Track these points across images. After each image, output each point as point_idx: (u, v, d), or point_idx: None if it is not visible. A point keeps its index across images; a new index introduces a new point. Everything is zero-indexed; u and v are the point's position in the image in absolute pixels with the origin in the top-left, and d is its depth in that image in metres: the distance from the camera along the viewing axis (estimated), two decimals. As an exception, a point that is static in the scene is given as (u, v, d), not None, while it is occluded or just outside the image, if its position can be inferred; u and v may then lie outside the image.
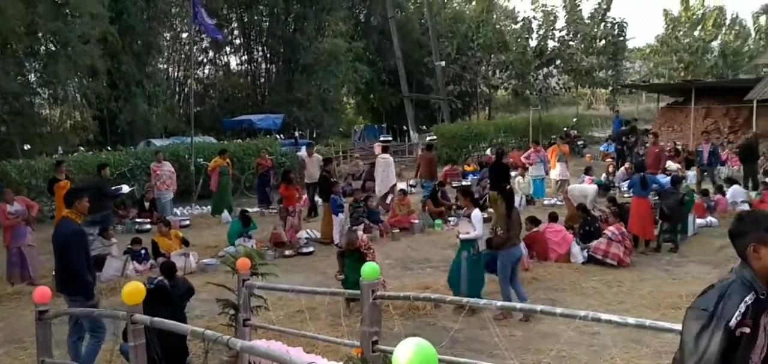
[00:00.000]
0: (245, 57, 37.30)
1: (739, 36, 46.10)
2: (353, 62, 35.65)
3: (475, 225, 8.82)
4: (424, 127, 39.22)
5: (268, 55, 36.79)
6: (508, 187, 11.39)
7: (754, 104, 23.70)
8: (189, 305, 8.27)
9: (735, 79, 34.80)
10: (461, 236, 8.96)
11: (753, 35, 47.20)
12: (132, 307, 5.15)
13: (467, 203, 9.34)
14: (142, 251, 11.91)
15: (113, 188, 15.13)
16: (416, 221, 14.79)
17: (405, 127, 37.05)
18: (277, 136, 25.95)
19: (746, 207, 15.46)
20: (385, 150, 17.84)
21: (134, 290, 5.23)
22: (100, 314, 6.54)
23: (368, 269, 5.52)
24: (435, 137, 26.68)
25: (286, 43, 34.70)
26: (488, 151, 26.12)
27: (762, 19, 46.73)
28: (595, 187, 14.54)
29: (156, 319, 4.97)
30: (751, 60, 41.33)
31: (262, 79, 37.49)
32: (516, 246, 8.92)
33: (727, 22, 45.58)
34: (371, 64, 39.78)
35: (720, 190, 16.05)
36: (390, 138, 24.53)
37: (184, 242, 12.58)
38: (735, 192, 15.99)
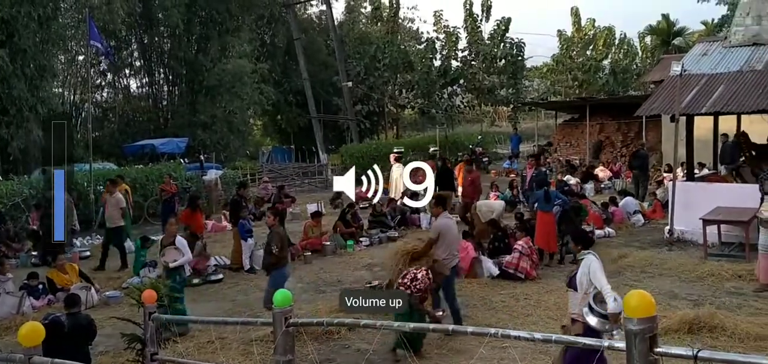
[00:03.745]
0: (146, 79, 36.17)
1: (628, 55, 48.71)
2: (259, 83, 35.27)
3: (183, 251, 9.01)
4: (333, 146, 39.22)
5: (170, 77, 35.83)
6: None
7: (644, 120, 25.15)
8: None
9: (625, 96, 36.84)
10: (171, 265, 8.99)
11: (640, 54, 50.03)
12: (30, 349, 4.87)
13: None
14: (39, 286, 11.29)
15: None
16: (328, 243, 14.75)
17: (314, 148, 36.94)
18: (182, 160, 25.28)
19: (640, 217, 16.36)
20: (397, 160, 19.62)
21: (32, 330, 4.96)
22: (-6, 357, 6.14)
23: (280, 296, 5.46)
24: (437, 148, 28.60)
25: (188, 64, 33.93)
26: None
27: (647, 39, 49.72)
28: (502, 203, 14.95)
29: (57, 361, 4.72)
30: (639, 77, 43.84)
31: (165, 102, 36.45)
32: (286, 266, 9.35)
33: (616, 42, 48.08)
34: (278, 85, 39.50)
35: (614, 202, 16.86)
36: (402, 149, 25.13)
37: (83, 275, 12.00)
38: (627, 203, 16.83)
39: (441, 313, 8.66)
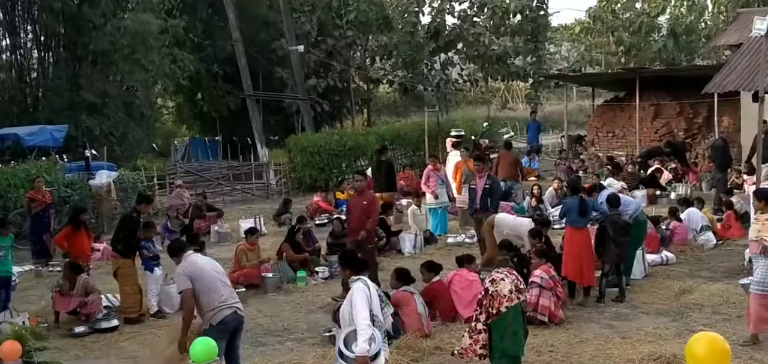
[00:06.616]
0: (7, 41, 35.82)
1: (693, 9, 49.30)
2: (170, 48, 35.09)
3: None
4: (276, 138, 39.08)
5: (43, 39, 35.50)
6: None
7: (715, 99, 25.27)
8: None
9: (690, 66, 37.28)
10: None
11: (710, 7, 50.65)
12: None
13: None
14: None
15: None
16: (270, 275, 14.66)
17: (250, 140, 36.77)
18: (59, 158, 25.03)
19: (710, 235, 16.48)
20: (456, 147, 20.95)
21: None
22: None
23: (201, 345, 5.44)
24: (512, 133, 31.11)
25: (68, 20, 33.59)
26: (369, 172, 26.41)
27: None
28: (529, 221, 14.53)
29: None
30: (709, 40, 44.37)
31: (34, 74, 36.11)
32: None
33: (678, -11, 48.83)
34: (198, 50, 39.37)
35: (674, 215, 16.98)
36: (462, 132, 25.52)
37: None
38: (691, 216, 16.93)
39: None
